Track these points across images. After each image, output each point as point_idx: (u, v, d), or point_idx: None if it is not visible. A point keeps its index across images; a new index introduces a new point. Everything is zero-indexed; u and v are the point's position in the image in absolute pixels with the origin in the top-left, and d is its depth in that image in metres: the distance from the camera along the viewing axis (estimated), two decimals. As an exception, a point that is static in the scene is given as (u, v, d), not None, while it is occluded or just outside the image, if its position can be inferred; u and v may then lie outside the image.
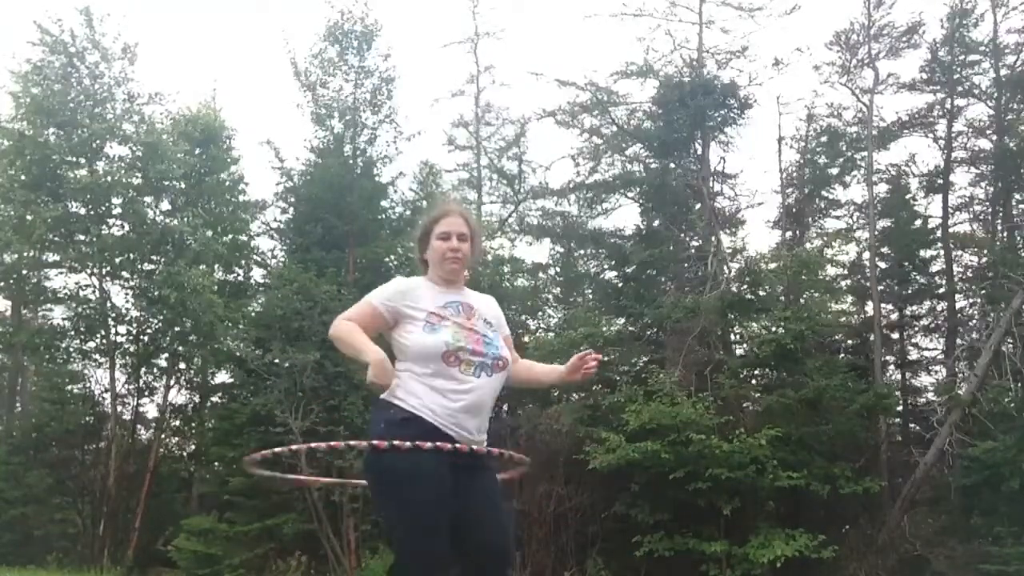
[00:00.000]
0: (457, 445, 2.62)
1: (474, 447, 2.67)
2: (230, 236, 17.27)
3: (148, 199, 15.66)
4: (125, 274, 15.82)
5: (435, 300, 2.82)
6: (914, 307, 17.28)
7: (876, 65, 15.87)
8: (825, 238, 17.62)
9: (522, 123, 18.75)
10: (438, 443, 2.58)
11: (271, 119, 39.20)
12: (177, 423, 17.94)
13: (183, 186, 16.08)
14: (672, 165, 16.07)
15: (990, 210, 17.07)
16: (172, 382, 17.12)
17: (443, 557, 2.61)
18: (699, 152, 15.92)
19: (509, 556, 2.80)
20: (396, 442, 2.55)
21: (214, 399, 17.14)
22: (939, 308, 17.07)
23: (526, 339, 14.95)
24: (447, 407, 2.67)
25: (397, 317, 2.79)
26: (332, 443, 3.19)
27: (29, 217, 14.43)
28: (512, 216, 18.75)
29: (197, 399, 17.76)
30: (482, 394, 2.74)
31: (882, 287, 16.44)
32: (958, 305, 16.80)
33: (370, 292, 2.88)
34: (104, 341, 15.66)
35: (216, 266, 16.69)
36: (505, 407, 14.55)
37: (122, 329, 15.82)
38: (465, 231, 2.90)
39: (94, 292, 15.61)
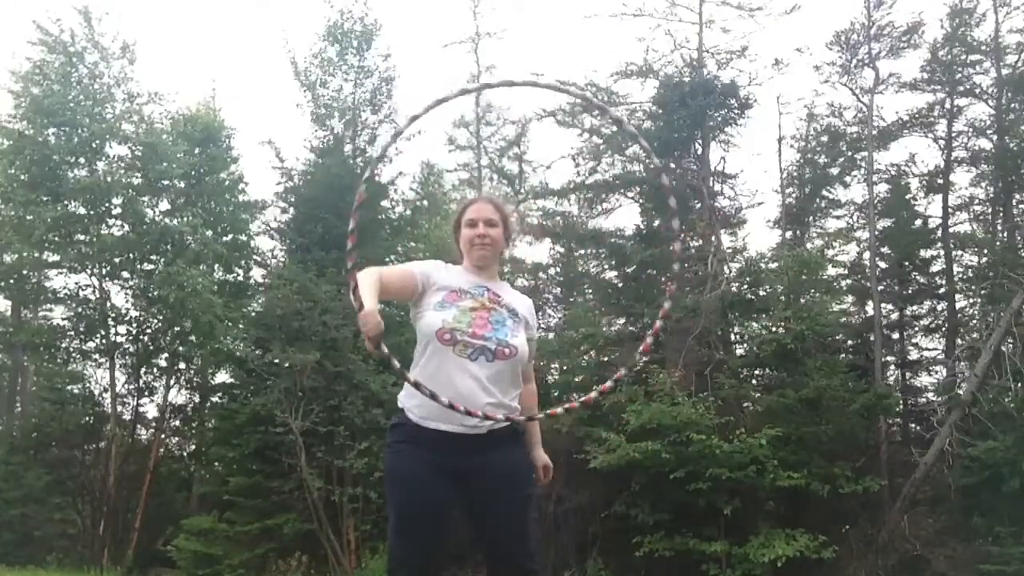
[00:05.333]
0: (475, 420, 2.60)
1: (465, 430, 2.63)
2: (230, 236, 17.27)
3: (148, 199, 15.65)
4: (125, 274, 15.81)
5: (462, 281, 2.80)
6: (914, 307, 17.27)
7: (876, 65, 15.86)
8: (825, 238, 17.63)
9: (522, 123, 18.78)
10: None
11: (271, 119, 39.27)
12: (177, 423, 17.95)
13: (183, 186, 16.09)
14: (672, 165, 16.06)
15: (990, 210, 17.05)
16: (172, 382, 17.14)
17: (419, 557, 2.63)
18: (699, 152, 15.90)
19: (518, 558, 2.74)
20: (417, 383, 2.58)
21: (214, 399, 17.13)
22: (939, 308, 17.06)
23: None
24: (437, 395, 2.55)
25: (426, 286, 2.75)
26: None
27: (29, 217, 14.42)
28: (512, 216, 18.74)
29: (197, 399, 17.77)
30: (475, 378, 2.63)
31: (882, 287, 16.42)
32: (958, 305, 16.78)
33: None
34: (104, 341, 15.66)
35: (216, 266, 16.69)
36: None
37: (122, 329, 15.83)
38: (493, 217, 2.88)
39: (94, 292, 15.61)
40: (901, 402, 16.16)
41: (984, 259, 16.26)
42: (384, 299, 2.64)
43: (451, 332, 2.64)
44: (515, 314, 2.82)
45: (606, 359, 15.90)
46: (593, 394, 2.96)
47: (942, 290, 16.64)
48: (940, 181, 16.81)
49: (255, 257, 17.95)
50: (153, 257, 15.66)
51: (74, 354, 16.40)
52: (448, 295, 2.73)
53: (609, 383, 2.89)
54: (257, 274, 17.98)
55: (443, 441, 2.62)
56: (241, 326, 15.15)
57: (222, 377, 16.97)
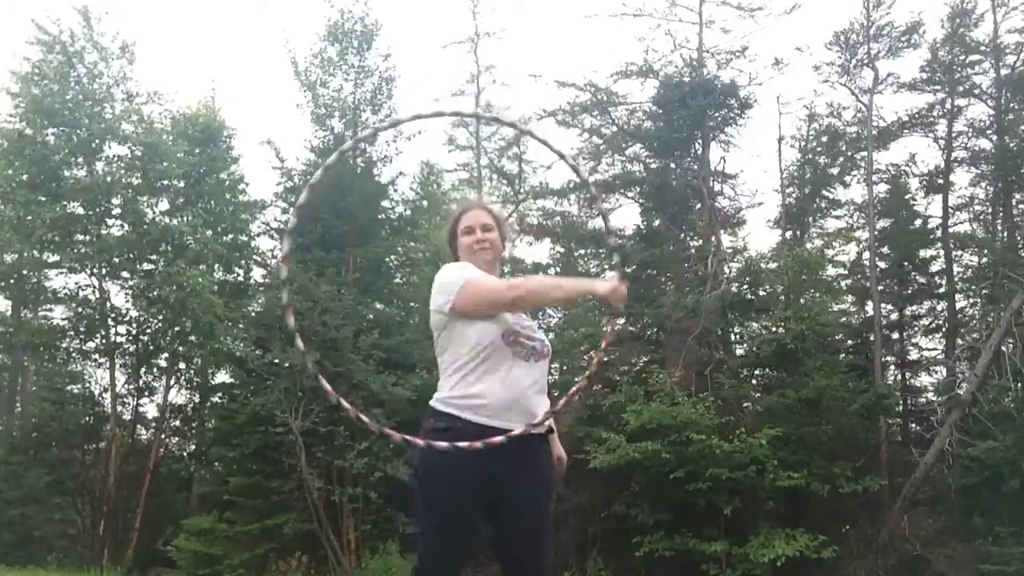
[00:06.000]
0: (501, 438, 2.54)
1: (513, 431, 2.56)
2: (230, 236, 17.26)
3: (147, 199, 15.65)
4: (125, 274, 15.81)
5: None
6: (914, 307, 17.29)
7: (876, 65, 15.88)
8: (825, 238, 17.65)
9: (522, 123, 18.76)
10: (475, 443, 2.52)
11: (271, 119, 39.26)
12: (177, 423, 17.94)
13: (183, 186, 16.08)
14: (672, 165, 16.07)
15: (990, 210, 17.07)
16: (172, 382, 17.12)
17: (457, 562, 2.66)
18: (699, 152, 15.91)
19: (535, 562, 2.74)
20: (433, 443, 2.54)
21: (214, 399, 17.13)
22: (939, 308, 17.08)
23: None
24: (499, 397, 2.60)
25: None
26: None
27: (29, 217, 14.42)
28: (512, 216, 18.74)
29: (197, 399, 17.76)
30: (535, 382, 2.70)
31: (882, 287, 16.43)
32: (958, 305, 16.80)
33: (458, 276, 2.69)
34: (104, 341, 15.65)
35: (216, 266, 16.68)
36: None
37: (122, 329, 15.82)
38: (488, 221, 2.88)
39: (94, 292, 15.61)
40: (901, 402, 16.17)
41: (984, 259, 16.27)
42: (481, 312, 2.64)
43: (514, 333, 2.66)
44: (529, 315, 2.88)
45: (606, 359, 15.90)
46: (583, 381, 3.01)
47: (942, 290, 16.65)
48: (940, 181, 16.82)
49: (255, 257, 17.94)
50: (153, 257, 15.65)
51: (74, 354, 16.39)
52: None
53: (594, 367, 2.92)
54: (257, 274, 17.99)
55: (502, 442, 2.55)
56: (241, 326, 15.14)
57: (222, 377, 16.98)
